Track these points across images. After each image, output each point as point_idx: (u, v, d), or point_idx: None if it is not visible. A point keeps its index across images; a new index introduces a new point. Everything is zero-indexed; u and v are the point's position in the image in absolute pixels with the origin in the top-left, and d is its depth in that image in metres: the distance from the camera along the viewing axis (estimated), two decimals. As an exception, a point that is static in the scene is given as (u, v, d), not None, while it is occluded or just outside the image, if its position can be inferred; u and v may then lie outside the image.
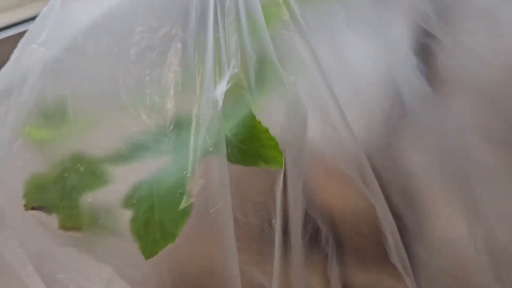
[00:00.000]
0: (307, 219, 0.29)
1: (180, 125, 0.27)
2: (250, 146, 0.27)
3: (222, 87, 0.27)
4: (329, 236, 0.30)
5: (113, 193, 0.27)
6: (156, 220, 0.26)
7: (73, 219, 0.28)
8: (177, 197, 0.26)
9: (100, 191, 0.27)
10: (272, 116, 0.28)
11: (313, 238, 0.30)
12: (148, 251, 0.26)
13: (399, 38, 0.30)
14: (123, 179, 0.27)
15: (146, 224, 0.26)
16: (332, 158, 0.29)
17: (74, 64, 0.29)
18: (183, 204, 0.25)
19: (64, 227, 0.28)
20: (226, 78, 0.27)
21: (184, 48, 0.28)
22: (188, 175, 0.26)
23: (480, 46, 0.29)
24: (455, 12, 0.30)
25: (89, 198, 0.27)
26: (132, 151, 0.27)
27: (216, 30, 0.28)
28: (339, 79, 0.29)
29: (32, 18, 0.50)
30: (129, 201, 0.27)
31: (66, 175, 0.27)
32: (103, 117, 0.28)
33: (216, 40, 0.28)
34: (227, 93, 0.26)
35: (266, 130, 0.27)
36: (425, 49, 0.30)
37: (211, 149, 0.26)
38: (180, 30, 0.28)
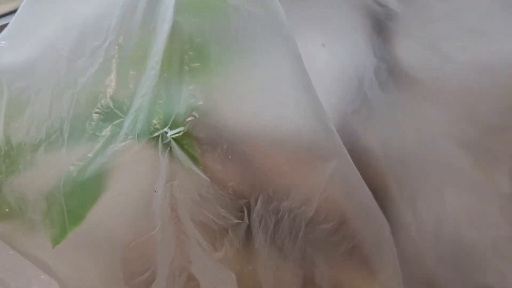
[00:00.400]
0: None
1: (108, 113, 0.25)
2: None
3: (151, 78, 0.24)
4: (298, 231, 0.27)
5: (33, 181, 0.25)
6: (63, 205, 0.24)
7: (-3, 207, 0.26)
8: (85, 180, 0.24)
9: (20, 178, 0.25)
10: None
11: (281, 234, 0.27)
12: (56, 238, 0.24)
13: (359, 32, 0.29)
14: (44, 167, 0.25)
15: (54, 211, 0.24)
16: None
17: (22, 75, 0.27)
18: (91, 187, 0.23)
19: (-11, 216, 0.26)
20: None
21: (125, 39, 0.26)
22: (91, 157, 0.23)
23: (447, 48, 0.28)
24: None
25: (9, 185, 0.25)
26: (54, 138, 0.25)
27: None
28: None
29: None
30: (44, 190, 0.25)
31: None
32: (28, 103, 0.26)
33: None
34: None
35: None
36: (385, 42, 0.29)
37: (130, 137, 0.24)
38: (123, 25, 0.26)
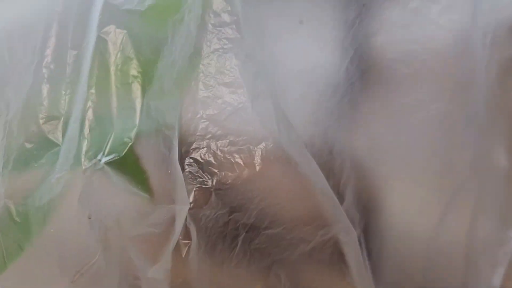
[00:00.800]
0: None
1: (43, 141, 0.24)
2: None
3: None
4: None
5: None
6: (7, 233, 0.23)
7: None
8: (23, 214, 0.23)
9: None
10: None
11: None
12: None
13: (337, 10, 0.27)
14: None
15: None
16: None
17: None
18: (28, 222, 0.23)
19: None
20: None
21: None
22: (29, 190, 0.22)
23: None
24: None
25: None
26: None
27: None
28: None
29: None
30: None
31: None
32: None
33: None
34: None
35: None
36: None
37: (65, 167, 0.23)
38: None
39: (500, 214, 0.24)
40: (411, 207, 0.26)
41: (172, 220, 0.23)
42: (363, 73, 0.27)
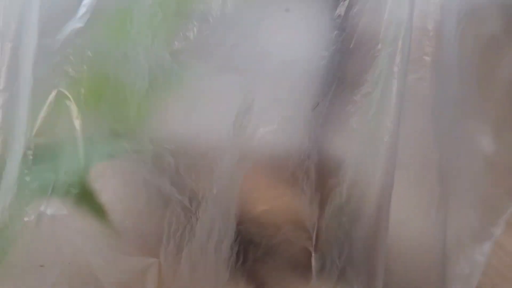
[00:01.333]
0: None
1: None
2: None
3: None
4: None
5: None
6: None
7: None
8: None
9: None
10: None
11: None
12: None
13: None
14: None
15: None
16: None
17: None
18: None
19: None
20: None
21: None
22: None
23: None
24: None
25: None
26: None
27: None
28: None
29: None
30: None
31: None
32: None
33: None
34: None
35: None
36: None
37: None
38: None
39: (481, 209, 0.23)
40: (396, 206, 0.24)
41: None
42: (349, 62, 0.25)
